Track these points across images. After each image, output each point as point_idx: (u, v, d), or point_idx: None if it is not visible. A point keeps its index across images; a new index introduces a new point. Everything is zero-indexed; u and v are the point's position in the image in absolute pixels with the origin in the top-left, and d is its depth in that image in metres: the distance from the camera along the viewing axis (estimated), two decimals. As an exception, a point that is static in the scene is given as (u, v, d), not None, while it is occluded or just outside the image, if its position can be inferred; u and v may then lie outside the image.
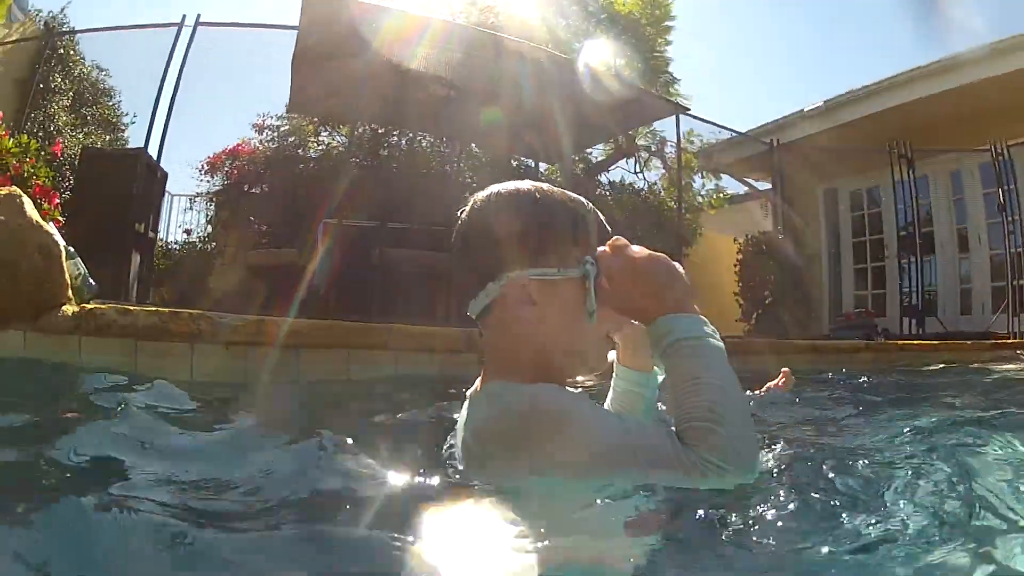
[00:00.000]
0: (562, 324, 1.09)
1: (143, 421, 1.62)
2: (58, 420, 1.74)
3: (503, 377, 1.10)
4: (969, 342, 7.25)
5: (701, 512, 0.96)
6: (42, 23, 8.38)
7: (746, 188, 12.28)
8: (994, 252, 9.42)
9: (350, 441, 1.34)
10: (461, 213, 1.16)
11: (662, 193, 9.90)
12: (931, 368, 5.54)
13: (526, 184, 1.15)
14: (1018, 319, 8.53)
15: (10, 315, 2.90)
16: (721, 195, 10.90)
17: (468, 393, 1.18)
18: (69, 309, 3.01)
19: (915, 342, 7.15)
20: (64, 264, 3.20)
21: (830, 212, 11.44)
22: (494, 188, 1.16)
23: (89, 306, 2.97)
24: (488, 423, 1.06)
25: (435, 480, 1.12)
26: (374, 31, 6.11)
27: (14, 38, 8.03)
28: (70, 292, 3.18)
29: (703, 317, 1.05)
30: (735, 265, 9.81)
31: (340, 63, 6.32)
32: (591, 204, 1.18)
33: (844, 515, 0.98)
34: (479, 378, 1.18)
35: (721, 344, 1.03)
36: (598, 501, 1.00)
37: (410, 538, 0.87)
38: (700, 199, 10.46)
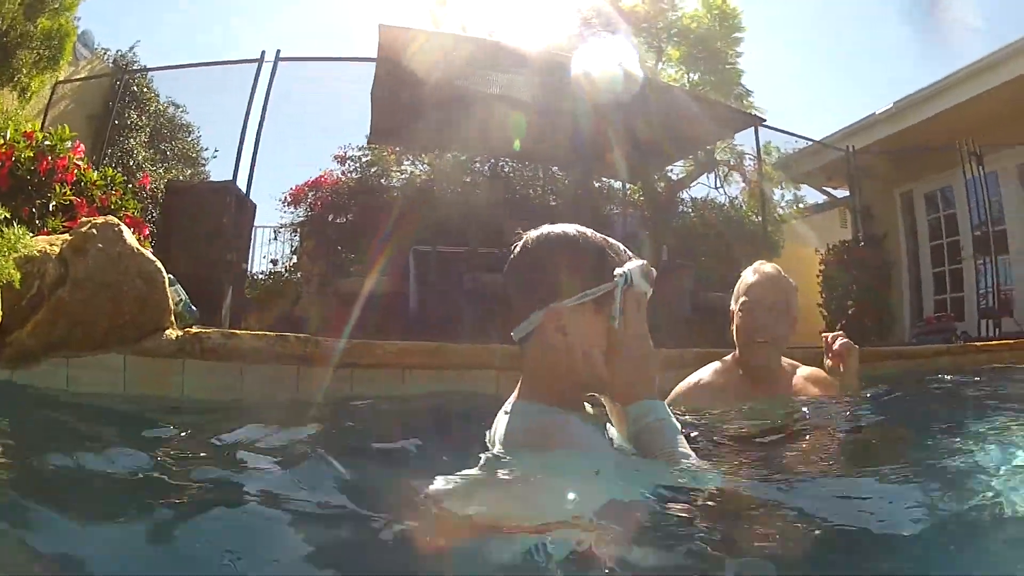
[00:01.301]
0: (584, 352, 1.24)
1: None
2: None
3: (533, 396, 1.28)
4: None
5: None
6: (111, 61, 8.72)
7: (825, 197, 11.90)
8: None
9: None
10: (515, 247, 1.31)
11: (743, 207, 9.56)
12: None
13: (572, 228, 1.31)
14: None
15: (112, 337, 2.91)
16: (801, 205, 10.54)
17: (504, 407, 1.34)
18: (173, 333, 2.98)
19: (993, 343, 6.75)
20: (167, 290, 3.17)
21: (907, 216, 10.99)
22: (544, 229, 1.31)
23: (194, 330, 2.91)
24: (514, 435, 1.25)
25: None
26: (450, 60, 6.09)
27: (83, 75, 8.36)
28: (173, 317, 3.16)
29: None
30: (817, 276, 9.41)
31: (418, 93, 6.30)
32: (631, 253, 1.32)
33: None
34: (515, 392, 1.34)
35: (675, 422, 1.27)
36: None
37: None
38: (780, 210, 10.11)
